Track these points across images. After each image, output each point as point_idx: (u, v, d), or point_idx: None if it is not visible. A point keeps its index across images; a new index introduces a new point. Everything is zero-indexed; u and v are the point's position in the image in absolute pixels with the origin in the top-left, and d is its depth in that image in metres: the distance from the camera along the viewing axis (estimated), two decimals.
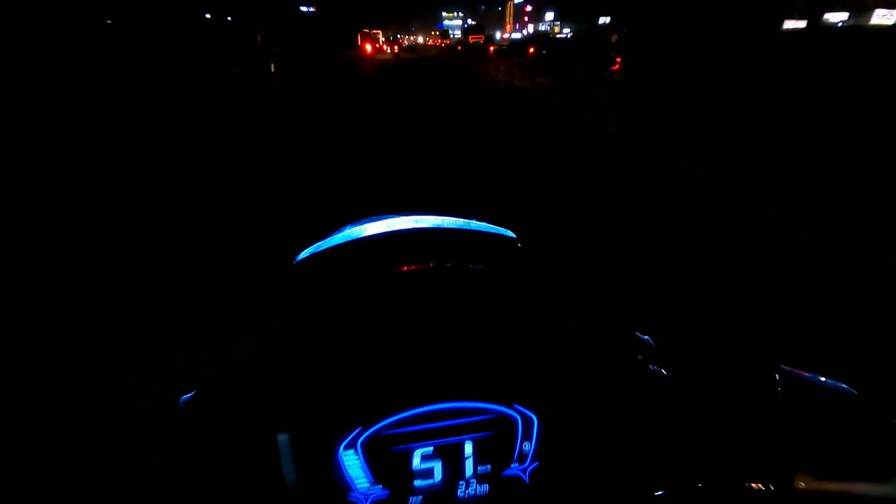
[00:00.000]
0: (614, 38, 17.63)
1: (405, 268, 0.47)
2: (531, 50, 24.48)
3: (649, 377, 0.46)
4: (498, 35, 68.69)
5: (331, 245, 0.50)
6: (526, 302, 0.48)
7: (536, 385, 0.42)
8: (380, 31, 48.78)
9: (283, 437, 0.39)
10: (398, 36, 75.33)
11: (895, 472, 0.42)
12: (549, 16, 54.23)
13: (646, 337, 0.51)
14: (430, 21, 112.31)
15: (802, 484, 0.42)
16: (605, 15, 43.05)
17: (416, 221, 0.51)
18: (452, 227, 0.51)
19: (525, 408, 0.42)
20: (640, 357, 0.47)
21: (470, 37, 44.34)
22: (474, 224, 0.53)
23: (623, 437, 0.44)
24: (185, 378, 0.47)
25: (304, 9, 37.32)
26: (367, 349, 0.43)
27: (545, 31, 53.02)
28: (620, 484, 0.43)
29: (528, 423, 0.42)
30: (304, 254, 0.52)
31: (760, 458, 0.44)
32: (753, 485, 0.43)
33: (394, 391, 0.40)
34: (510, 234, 0.54)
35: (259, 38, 19.54)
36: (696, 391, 0.46)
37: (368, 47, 36.10)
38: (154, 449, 0.41)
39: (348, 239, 0.49)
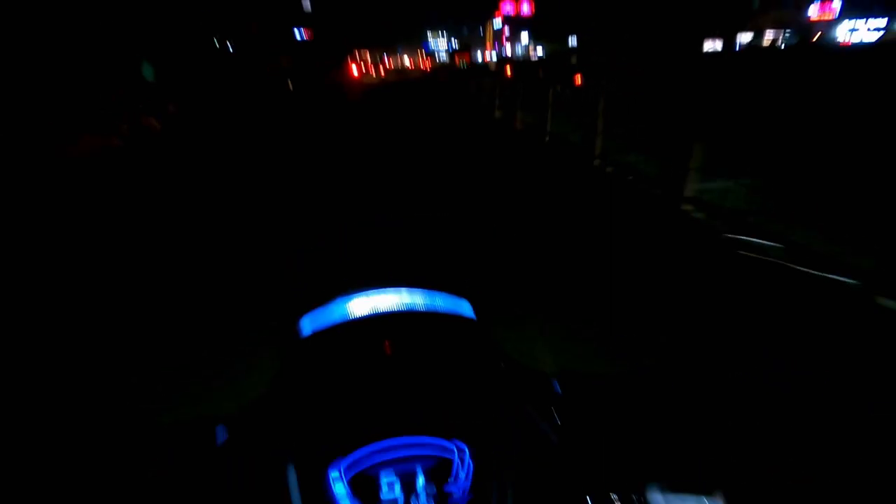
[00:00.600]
0: (573, 58, 21.40)
1: (388, 349, 0.62)
2: (508, 70, 26.12)
3: (542, 431, 0.60)
4: (479, 57, 72.84)
5: (328, 324, 0.65)
6: (474, 370, 0.62)
7: (469, 426, 0.57)
8: (367, 53, 51.18)
9: (290, 467, 0.53)
10: (384, 55, 78.11)
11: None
12: (525, 37, 59.16)
13: (555, 382, 0.65)
14: (416, 42, 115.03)
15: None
16: (572, 35, 47.84)
17: (394, 297, 0.65)
18: (422, 309, 0.66)
19: (461, 441, 0.56)
20: (539, 412, 0.61)
21: (456, 56, 49.85)
22: (439, 302, 0.67)
23: (526, 465, 0.57)
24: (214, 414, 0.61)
25: (297, 33, 40.38)
26: (350, 401, 0.58)
27: (521, 55, 57.82)
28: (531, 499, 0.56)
29: (462, 452, 0.56)
30: (308, 332, 0.66)
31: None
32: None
33: (365, 429, 0.55)
34: (467, 310, 0.69)
35: (283, 61, 23.80)
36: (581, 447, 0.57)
37: (355, 71, 38.07)
38: (197, 470, 0.53)
39: (342, 319, 0.65)
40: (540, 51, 52.90)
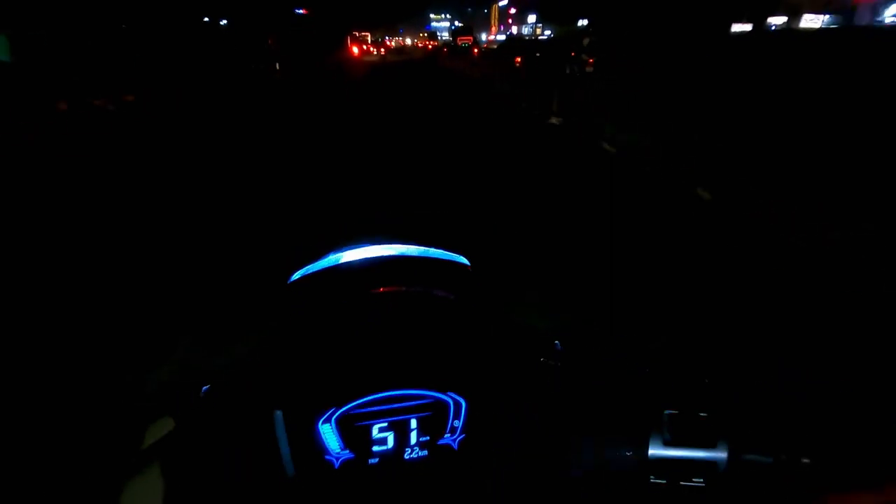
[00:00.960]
0: (586, 41, 18.84)
1: (380, 289, 0.63)
2: (518, 60, 25.35)
3: (549, 373, 0.61)
4: (483, 37, 70.55)
5: (317, 269, 0.65)
6: (470, 319, 0.63)
7: (466, 378, 0.57)
8: (368, 34, 49.65)
9: (278, 414, 0.54)
10: (386, 38, 76.26)
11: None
12: (532, 18, 56.73)
13: (556, 342, 0.65)
14: (418, 23, 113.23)
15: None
16: (584, 17, 45.53)
17: (387, 249, 0.66)
18: (415, 254, 0.66)
19: (456, 394, 0.57)
20: (547, 360, 0.62)
21: (458, 38, 46.22)
22: (433, 251, 0.67)
23: (529, 419, 0.59)
24: (202, 373, 0.61)
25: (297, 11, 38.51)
26: (343, 350, 0.58)
27: (527, 35, 55.41)
28: (532, 460, 0.60)
29: (458, 405, 0.57)
30: (296, 276, 0.66)
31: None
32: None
33: (360, 381, 0.55)
34: (464, 260, 0.69)
35: (270, 42, 21.54)
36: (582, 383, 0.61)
37: (356, 49, 36.88)
38: (183, 430, 0.55)
39: (331, 264, 0.64)
40: (549, 33, 50.41)
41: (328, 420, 0.55)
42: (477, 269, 0.68)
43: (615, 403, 0.60)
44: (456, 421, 0.58)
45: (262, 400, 0.55)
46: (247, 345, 0.77)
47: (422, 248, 0.67)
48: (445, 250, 0.68)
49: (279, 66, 17.79)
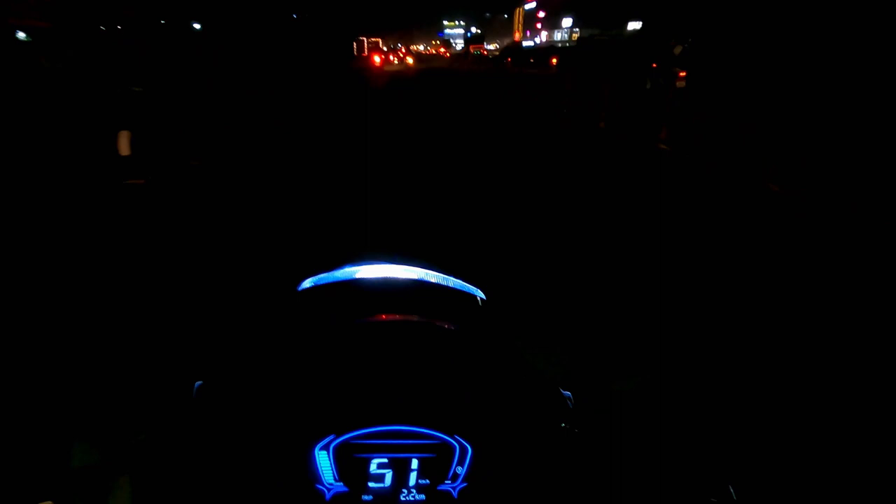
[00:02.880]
0: (678, 49, 13.95)
1: (389, 316, 0.57)
2: (553, 61, 23.30)
3: (559, 433, 0.56)
4: (491, 46, 64.00)
5: (331, 281, 0.59)
6: (481, 356, 0.58)
7: (475, 423, 0.53)
8: (379, 40, 43.98)
9: (273, 433, 0.50)
10: (399, 45, 70.76)
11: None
12: (567, 22, 49.40)
13: (567, 393, 0.60)
14: (431, 29, 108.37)
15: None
16: (636, 20, 38.31)
17: (407, 271, 0.61)
18: (434, 282, 0.61)
19: (463, 439, 0.53)
20: (558, 419, 0.57)
21: (471, 46, 53.84)
22: (452, 281, 0.63)
23: (534, 474, 0.55)
24: (197, 366, 0.55)
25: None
26: (348, 373, 0.53)
27: (559, 41, 48.15)
28: None
29: (463, 451, 0.53)
30: (308, 284, 0.61)
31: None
32: None
33: (364, 410, 0.51)
34: (478, 293, 0.65)
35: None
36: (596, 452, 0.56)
37: (377, 59, 32.38)
38: (172, 424, 0.51)
39: (347, 278, 0.59)
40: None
41: (325, 447, 0.52)
42: (494, 304, 0.65)
43: (629, 480, 0.57)
44: (459, 467, 0.55)
45: (260, 414, 0.52)
46: (244, 340, 0.61)
47: (441, 276, 0.64)
48: (464, 281, 0.65)
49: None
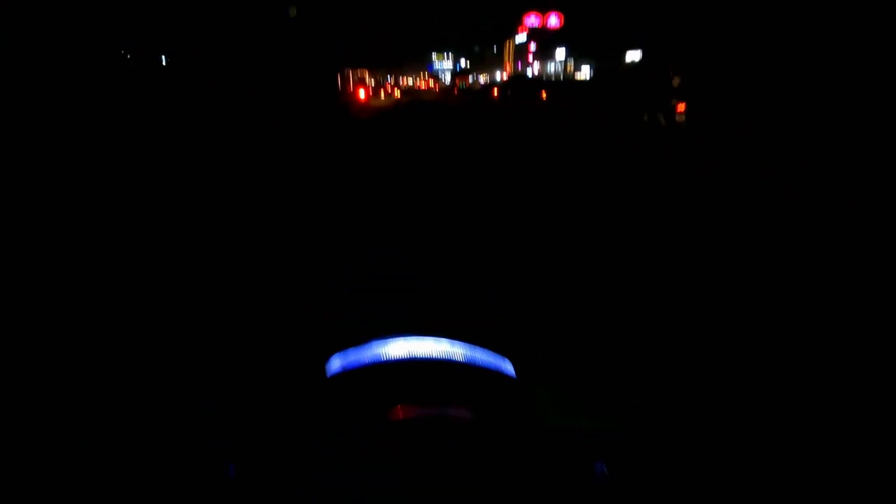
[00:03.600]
0: (676, 80, 12.64)
1: (415, 410, 0.56)
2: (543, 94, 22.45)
3: None
4: (498, 76, 63.07)
5: (360, 364, 0.59)
6: (505, 448, 0.56)
7: None
8: (366, 72, 42.40)
9: None
10: (388, 77, 69.63)
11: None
12: (561, 54, 47.92)
13: (601, 466, 0.57)
14: (420, 62, 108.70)
15: None
16: (634, 49, 36.69)
17: (432, 345, 0.61)
18: (458, 358, 0.60)
19: None
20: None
21: (458, 79, 59.61)
22: (479, 354, 0.61)
23: None
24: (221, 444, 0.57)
25: None
26: (376, 461, 0.53)
27: (554, 74, 46.55)
28: None
29: None
30: (337, 366, 0.61)
31: None
32: None
33: (393, 500, 0.50)
34: (507, 366, 0.63)
35: None
36: None
37: (362, 93, 31.52)
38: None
39: (374, 360, 0.59)
40: (586, 70, 41.23)
41: None
42: (523, 377, 0.63)
43: None
44: None
45: (294, 499, 0.52)
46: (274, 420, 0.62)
47: (469, 348, 0.63)
48: (492, 351, 0.64)
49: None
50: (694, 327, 2.67)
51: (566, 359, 2.23)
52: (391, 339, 0.62)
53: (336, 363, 0.61)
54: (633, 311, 2.83)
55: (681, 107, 12.01)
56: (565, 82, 26.99)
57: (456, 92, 45.77)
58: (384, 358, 0.60)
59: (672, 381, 2.21)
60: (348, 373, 0.59)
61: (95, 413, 1.85)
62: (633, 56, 37.10)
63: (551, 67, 49.61)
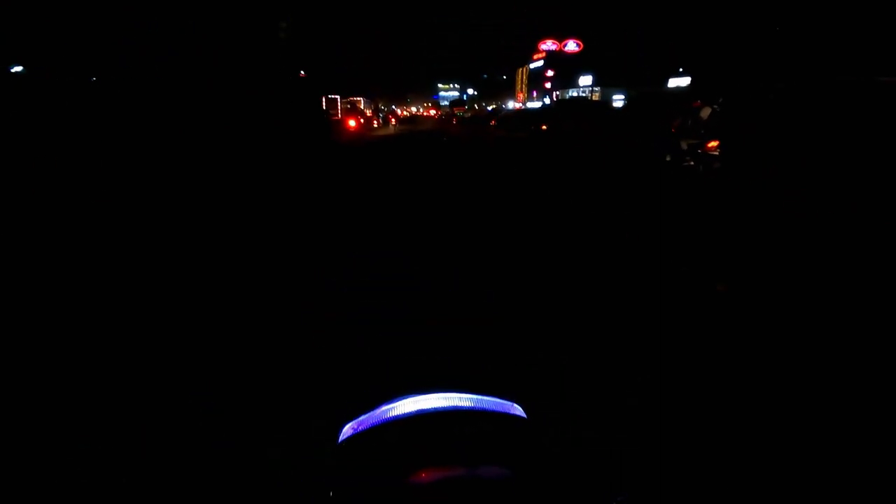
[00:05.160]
0: (705, 111, 9.93)
1: (430, 472, 0.54)
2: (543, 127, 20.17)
3: None
4: (510, 105, 57.70)
5: (370, 426, 0.59)
6: (523, 488, 0.54)
7: None
8: (360, 100, 36.84)
9: None
10: (393, 106, 64.61)
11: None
12: (586, 80, 42.23)
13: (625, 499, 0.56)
14: (425, 91, 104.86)
15: None
16: (682, 76, 30.83)
17: (439, 400, 0.60)
18: (466, 406, 0.60)
19: None
20: None
21: (455, 108, 59.42)
22: (486, 401, 0.61)
23: None
24: None
25: None
26: None
27: (580, 96, 40.71)
28: None
29: None
30: (348, 433, 0.60)
31: None
32: None
33: None
34: (516, 409, 0.62)
35: None
36: None
37: (352, 122, 27.84)
38: None
39: (384, 419, 0.58)
40: (618, 99, 35.16)
41: None
42: (533, 418, 0.63)
43: None
44: None
45: None
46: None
47: (475, 398, 0.62)
48: (499, 398, 0.64)
49: None
50: (694, 327, 2.82)
51: (566, 359, 2.38)
52: (398, 399, 0.60)
53: (347, 429, 0.60)
54: (632, 312, 2.95)
55: (710, 145, 9.49)
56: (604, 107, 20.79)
57: (455, 122, 41.69)
58: (393, 416, 0.58)
59: (672, 381, 2.23)
60: (359, 435, 0.58)
61: (95, 413, 1.86)
62: (678, 82, 31.28)
63: (572, 94, 43.70)
